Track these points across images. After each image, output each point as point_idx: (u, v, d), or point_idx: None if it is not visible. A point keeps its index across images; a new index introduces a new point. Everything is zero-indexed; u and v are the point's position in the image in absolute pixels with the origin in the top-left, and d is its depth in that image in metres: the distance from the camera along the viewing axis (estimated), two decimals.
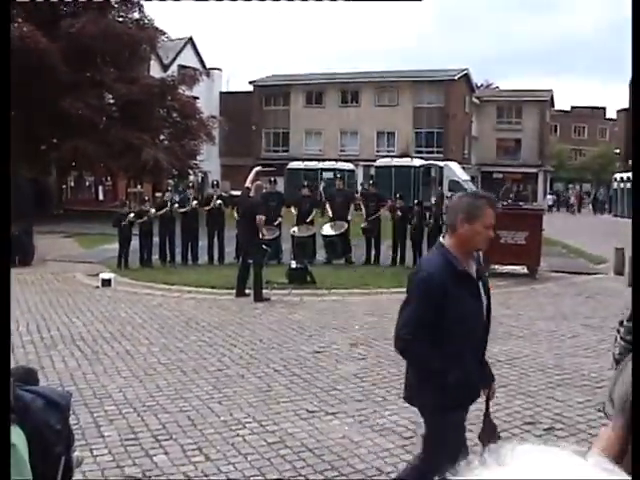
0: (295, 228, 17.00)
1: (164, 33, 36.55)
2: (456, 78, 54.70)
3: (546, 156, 64.49)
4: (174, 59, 51.14)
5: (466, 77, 57.98)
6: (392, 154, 50.84)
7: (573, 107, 79.74)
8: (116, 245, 17.03)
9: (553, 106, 68.10)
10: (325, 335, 9.79)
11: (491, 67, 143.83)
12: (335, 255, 16.81)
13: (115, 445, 5.76)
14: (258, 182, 13.50)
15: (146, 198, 19.38)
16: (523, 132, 62.72)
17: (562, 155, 72.35)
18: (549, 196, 59.13)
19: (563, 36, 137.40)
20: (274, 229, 16.28)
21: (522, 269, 15.72)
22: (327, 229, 16.94)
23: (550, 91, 65.59)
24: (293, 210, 17.35)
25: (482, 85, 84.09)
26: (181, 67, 47.58)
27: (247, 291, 12.71)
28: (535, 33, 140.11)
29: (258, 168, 14.02)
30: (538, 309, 11.95)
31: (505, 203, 19.49)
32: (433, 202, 17.85)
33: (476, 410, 4.55)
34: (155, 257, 17.11)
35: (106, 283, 14.13)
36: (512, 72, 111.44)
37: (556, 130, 75.35)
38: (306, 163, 46.15)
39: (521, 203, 20.54)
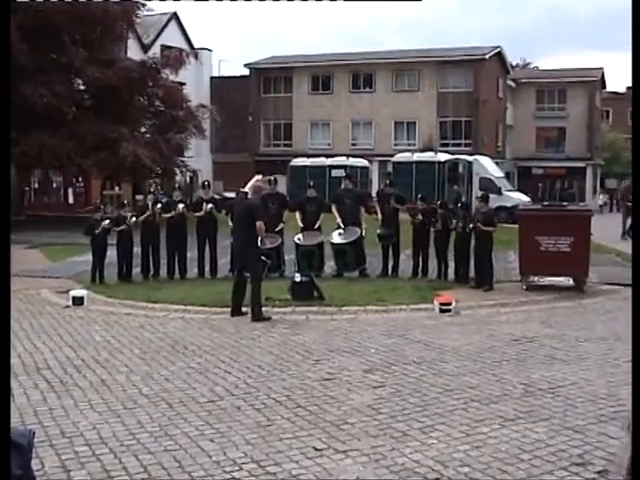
0: (300, 235, 17.02)
1: (144, 6, 36.67)
2: (487, 57, 54.80)
3: (596, 147, 64.47)
4: (156, 38, 51.37)
5: (499, 56, 58.09)
6: (412, 148, 50.94)
7: (629, 88, 79.70)
8: (89, 257, 17.07)
9: (604, 88, 68.14)
10: (335, 360, 9.79)
11: (529, 44, 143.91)
12: (346, 266, 16.81)
13: None
14: (258, 183, 13.53)
15: (125, 202, 19.42)
16: (568, 119, 62.76)
17: (615, 145, 72.20)
18: (601, 195, 59.10)
19: (614, 3, 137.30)
20: (275, 237, 16.30)
21: (567, 281, 15.69)
22: (337, 236, 16.95)
23: (601, 70, 65.61)
24: (297, 214, 17.37)
25: (518, 65, 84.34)
26: (164, 47, 47.88)
27: (244, 309, 12.74)
28: (581, 2, 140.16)
29: (260, 176, 14.03)
30: (587, 328, 11.92)
31: (546, 203, 19.47)
32: (460, 203, 17.81)
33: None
34: (136, 270, 17.15)
35: (78, 301, 14.16)
36: (554, 49, 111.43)
37: (608, 116, 75.43)
38: (312, 159, 46.30)
39: (565, 203, 20.48)
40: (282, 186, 29.75)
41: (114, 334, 11.66)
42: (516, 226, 16.63)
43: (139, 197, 30.28)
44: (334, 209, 17.25)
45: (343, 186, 18.11)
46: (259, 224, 12.52)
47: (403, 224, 17.21)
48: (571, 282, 15.59)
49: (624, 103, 77.38)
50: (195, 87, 50.44)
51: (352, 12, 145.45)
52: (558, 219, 15.22)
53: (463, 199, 21.99)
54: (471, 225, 15.46)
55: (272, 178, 18.35)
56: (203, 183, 18.85)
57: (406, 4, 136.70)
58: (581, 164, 62.29)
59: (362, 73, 56.55)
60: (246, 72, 60.00)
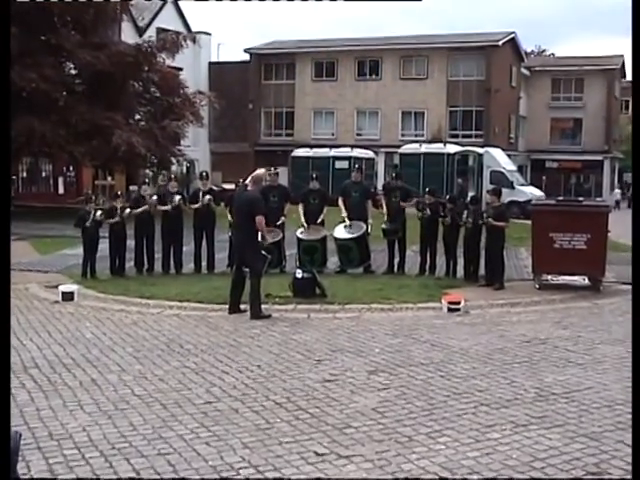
0: (302, 229, 17.02)
1: None
2: (500, 44, 54.74)
3: (614, 140, 64.34)
4: (152, 21, 51.35)
5: (513, 42, 58.01)
6: (420, 139, 50.90)
7: None
8: (80, 250, 17.06)
9: (624, 77, 67.83)
10: (338, 360, 9.79)
11: (544, 29, 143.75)
12: (350, 262, 16.81)
13: None
14: (257, 173, 13.51)
15: (118, 192, 19.42)
16: (585, 110, 62.64)
17: None
18: (617, 190, 59.04)
19: None
20: (276, 231, 16.29)
21: (582, 280, 15.68)
22: (341, 231, 16.94)
23: (621, 57, 65.30)
24: (300, 208, 17.34)
25: (533, 52, 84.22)
26: (160, 30, 47.75)
27: (242, 306, 12.74)
28: None
29: (262, 170, 13.95)
30: (603, 330, 11.90)
31: (560, 198, 19.45)
32: (470, 197, 17.81)
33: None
34: (129, 265, 17.14)
35: (67, 297, 14.17)
36: (571, 35, 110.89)
37: (627, 107, 75.10)
38: (315, 150, 46.32)
39: (581, 198, 20.49)
40: (283, 178, 29.77)
41: (105, 331, 11.65)
42: (529, 222, 16.61)
43: (133, 187, 30.20)
44: (341, 202, 17.21)
45: (353, 178, 18.05)
46: (259, 219, 12.50)
47: (410, 219, 17.19)
48: (586, 281, 15.58)
49: None
50: (193, 73, 50.43)
51: None
52: (574, 215, 15.18)
53: (472, 193, 22.01)
54: (482, 220, 15.44)
55: (273, 169, 18.32)
56: (201, 174, 18.81)
57: None
58: (598, 157, 62.18)
59: (368, 60, 56.51)
60: (246, 57, 59.99)
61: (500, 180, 36.99)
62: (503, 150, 45.99)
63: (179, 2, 55.04)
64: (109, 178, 43.76)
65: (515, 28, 73.88)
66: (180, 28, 49.94)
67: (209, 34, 59.10)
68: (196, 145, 51.17)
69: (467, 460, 6.38)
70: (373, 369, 9.33)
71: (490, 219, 15.23)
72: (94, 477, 6.10)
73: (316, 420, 7.42)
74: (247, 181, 13.12)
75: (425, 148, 43.59)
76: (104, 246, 16.83)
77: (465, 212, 16.09)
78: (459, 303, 13.11)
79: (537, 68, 65.16)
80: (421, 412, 7.65)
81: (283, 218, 17.06)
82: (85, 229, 16.58)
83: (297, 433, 7.07)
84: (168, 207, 17.02)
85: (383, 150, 52.16)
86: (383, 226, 17.04)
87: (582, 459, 6.43)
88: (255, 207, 12.61)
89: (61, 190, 47.58)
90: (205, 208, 17.13)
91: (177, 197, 17.20)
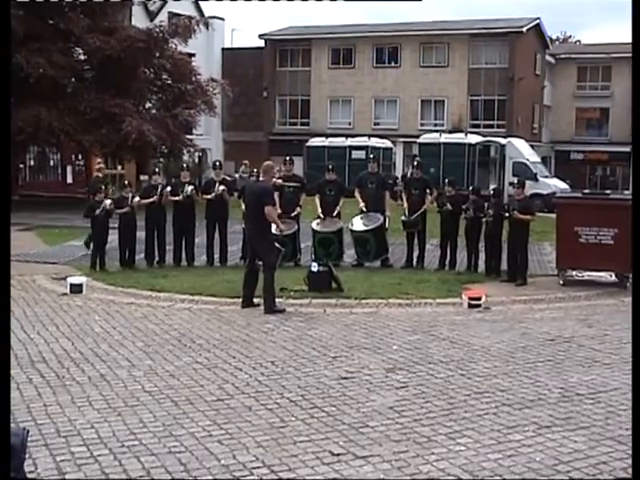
0: (317, 221, 16.99)
1: None
2: (524, 30, 54.42)
3: None
4: (163, 5, 51.27)
5: (537, 28, 57.65)
6: (440, 128, 50.74)
7: None
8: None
9: None
10: (354, 357, 9.78)
11: (570, 15, 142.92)
12: (367, 256, 16.78)
13: None
14: (269, 162, 13.50)
15: (127, 182, 19.43)
16: (612, 99, 62.16)
17: None
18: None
19: None
20: (291, 222, 16.29)
21: (608, 276, 15.59)
22: (358, 223, 16.91)
23: None
24: (316, 199, 17.32)
25: (558, 39, 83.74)
26: (172, 15, 47.72)
27: (256, 300, 12.75)
28: None
29: (270, 163, 13.84)
30: (630, 328, 11.82)
31: (586, 191, 19.37)
32: (492, 190, 17.75)
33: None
34: (139, 257, 17.17)
35: (76, 289, 14.20)
36: (598, 21, 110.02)
37: None
38: (331, 139, 46.28)
39: (608, 191, 20.39)
40: (298, 168, 29.75)
41: (115, 325, 11.68)
42: (552, 215, 16.51)
43: (144, 177, 30.26)
44: (357, 194, 17.19)
45: (369, 169, 18.00)
46: (268, 209, 12.49)
47: (430, 211, 17.15)
48: (613, 278, 15.48)
49: None
50: (205, 59, 50.39)
51: None
52: (600, 208, 15.08)
53: (493, 185, 21.87)
54: (506, 213, 15.36)
55: (288, 158, 18.29)
56: (214, 163, 18.80)
57: None
58: (626, 149, 61.62)
59: (387, 46, 56.30)
60: (261, 43, 59.86)
61: (523, 172, 36.75)
62: (526, 141, 45.74)
63: None
64: (119, 167, 43.84)
65: (540, 14, 73.43)
66: (193, 12, 49.69)
67: (222, 19, 58.91)
68: (208, 134, 51.18)
69: (488, 462, 6.37)
70: (391, 367, 9.32)
71: (515, 212, 15.15)
72: (103, 476, 6.12)
73: (332, 419, 7.42)
74: (262, 178, 13.16)
75: (445, 138, 43.45)
76: (114, 237, 16.88)
77: (486, 205, 16.04)
78: (480, 299, 13.07)
79: (562, 55, 64.73)
80: (440, 412, 7.64)
81: (298, 209, 17.06)
82: (94, 219, 16.62)
83: (312, 432, 7.07)
84: (180, 197, 17.05)
85: (401, 140, 52.03)
86: (403, 218, 17.01)
87: (609, 463, 6.40)
88: (264, 197, 12.60)
89: (69, 179, 47.62)
90: (218, 199, 17.13)
91: (189, 187, 17.21)
